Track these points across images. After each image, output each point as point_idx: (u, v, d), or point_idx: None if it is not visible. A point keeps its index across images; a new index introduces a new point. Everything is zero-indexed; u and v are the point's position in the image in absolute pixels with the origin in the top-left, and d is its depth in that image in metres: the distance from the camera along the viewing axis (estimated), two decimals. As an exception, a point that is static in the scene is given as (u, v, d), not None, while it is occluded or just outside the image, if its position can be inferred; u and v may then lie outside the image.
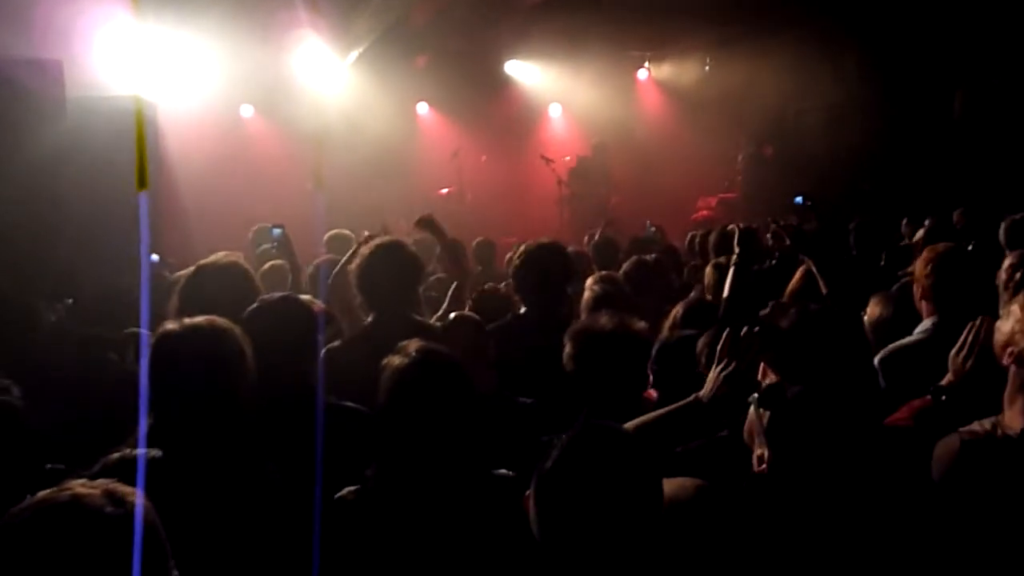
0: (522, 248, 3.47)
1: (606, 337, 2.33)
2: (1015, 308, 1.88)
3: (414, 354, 2.00)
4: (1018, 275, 3.10)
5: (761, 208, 8.32)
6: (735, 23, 10.12)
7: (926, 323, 2.85)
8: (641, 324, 2.42)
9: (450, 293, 3.69)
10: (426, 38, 10.06)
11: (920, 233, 4.21)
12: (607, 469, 1.46)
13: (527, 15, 9.49)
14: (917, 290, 2.89)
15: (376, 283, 3.07)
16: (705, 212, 10.38)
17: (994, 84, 8.02)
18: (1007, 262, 3.21)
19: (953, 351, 2.24)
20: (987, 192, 5.37)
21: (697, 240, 5.91)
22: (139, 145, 5.89)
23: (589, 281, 3.53)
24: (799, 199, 5.42)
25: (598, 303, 3.24)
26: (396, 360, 2.00)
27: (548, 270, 3.33)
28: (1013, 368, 1.86)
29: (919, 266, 2.88)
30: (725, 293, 3.41)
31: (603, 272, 3.71)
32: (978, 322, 2.21)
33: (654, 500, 1.48)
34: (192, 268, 2.98)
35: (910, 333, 2.85)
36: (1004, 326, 1.90)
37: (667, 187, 10.92)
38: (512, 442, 2.22)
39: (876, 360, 2.82)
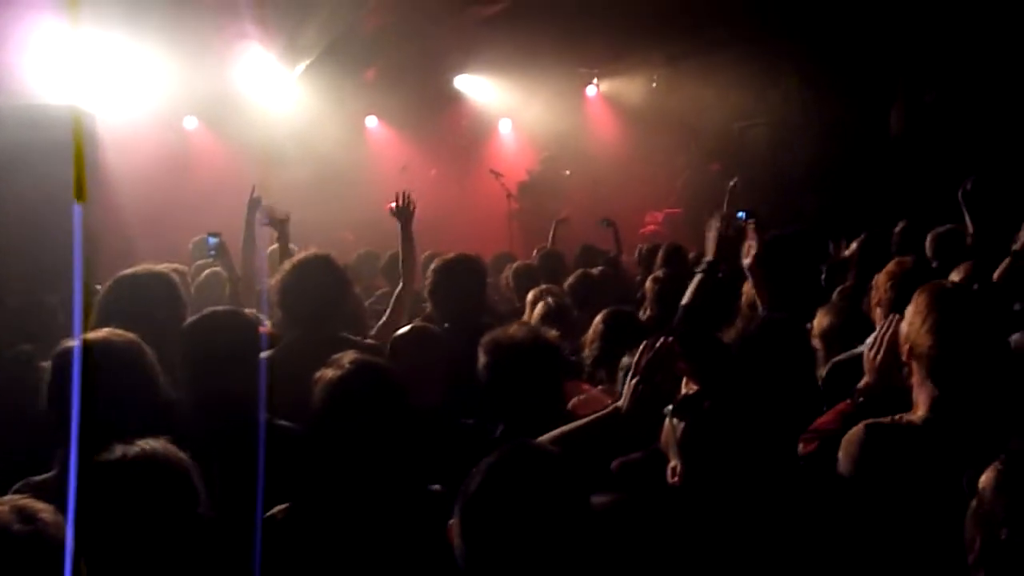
0: (432, 267, 3.40)
1: (517, 347, 2.31)
2: (910, 307, 1.99)
3: (348, 365, 1.96)
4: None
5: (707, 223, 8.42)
6: (681, 42, 10.31)
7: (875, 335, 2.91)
8: (553, 333, 2.41)
9: (391, 304, 3.64)
10: (375, 51, 10.03)
11: (854, 246, 4.31)
12: (536, 492, 1.38)
13: (476, 30, 9.53)
14: (874, 298, 2.96)
15: (297, 300, 2.97)
16: (652, 227, 10.51)
17: (927, 102, 8.30)
18: (958, 276, 3.31)
19: (865, 350, 2.32)
20: (924, 206, 5.54)
21: (644, 253, 5.96)
22: (77, 156, 5.71)
23: (530, 296, 3.53)
24: (741, 215, 5.50)
25: (542, 318, 3.23)
26: (329, 372, 1.96)
27: (462, 286, 3.30)
28: (912, 363, 1.95)
29: (881, 278, 2.94)
30: (685, 300, 3.38)
31: (545, 286, 3.71)
32: (890, 318, 2.29)
33: (584, 521, 1.42)
34: (111, 280, 2.88)
35: (860, 340, 2.90)
36: (903, 325, 2.01)
37: (616, 202, 11.01)
38: (449, 460, 2.18)
39: (827, 368, 2.87)
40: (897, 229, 4.90)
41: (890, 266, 2.97)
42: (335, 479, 1.90)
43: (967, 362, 1.88)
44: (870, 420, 1.95)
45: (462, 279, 3.32)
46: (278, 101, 10.53)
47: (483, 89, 12.33)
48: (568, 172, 11.67)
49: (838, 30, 8.55)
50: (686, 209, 10.76)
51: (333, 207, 9.93)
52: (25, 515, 1.23)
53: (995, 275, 3.49)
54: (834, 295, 3.88)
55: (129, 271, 2.92)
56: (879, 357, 2.24)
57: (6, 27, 6.56)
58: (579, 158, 11.93)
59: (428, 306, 3.64)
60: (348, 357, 2.00)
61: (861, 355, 2.84)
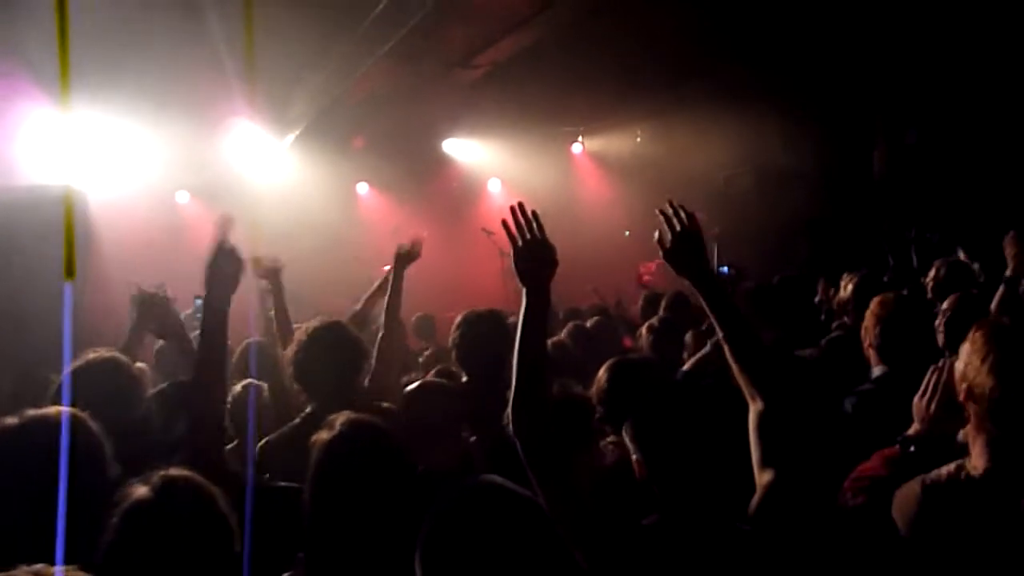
0: (460, 319, 3.43)
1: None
2: (965, 346, 1.89)
3: (339, 427, 1.94)
4: (949, 316, 3.20)
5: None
6: (663, 96, 10.53)
7: (875, 371, 2.89)
8: (579, 389, 2.42)
9: (375, 356, 3.57)
10: (362, 119, 10.21)
11: (850, 288, 4.32)
12: (489, 530, 1.44)
13: (461, 95, 9.72)
14: (865, 338, 2.92)
15: (315, 371, 2.95)
16: (647, 277, 10.54)
17: (908, 144, 8.46)
18: (944, 306, 3.32)
19: (916, 397, 2.21)
20: (909, 245, 5.60)
21: (646, 302, 5.97)
22: (67, 234, 5.74)
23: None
24: (724, 269, 5.59)
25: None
26: (324, 435, 1.94)
27: (487, 338, 3.30)
28: (971, 405, 1.84)
29: (868, 317, 2.91)
30: (688, 364, 3.44)
31: (554, 339, 3.70)
32: (941, 364, 2.20)
33: (538, 560, 1.46)
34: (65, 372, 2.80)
35: (836, 381, 2.90)
36: (958, 364, 1.90)
37: (607, 255, 11.10)
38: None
39: (852, 400, 2.82)
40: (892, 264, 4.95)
41: (872, 305, 2.93)
42: (333, 542, 1.87)
43: None
44: (925, 477, 1.85)
45: (487, 334, 3.32)
46: (268, 172, 10.66)
47: (471, 151, 12.53)
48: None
49: (817, 77, 8.76)
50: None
51: (325, 274, 9.96)
52: None
53: (992, 305, 3.49)
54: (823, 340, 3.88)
55: (80, 361, 2.77)
56: (932, 404, 2.14)
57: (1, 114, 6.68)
58: (568, 213, 12.04)
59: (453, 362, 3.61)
60: (341, 418, 1.98)
61: (873, 387, 2.82)
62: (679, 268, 2.11)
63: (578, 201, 12.42)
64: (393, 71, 8.06)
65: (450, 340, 3.45)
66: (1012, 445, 1.75)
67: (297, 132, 10.21)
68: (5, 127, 7.08)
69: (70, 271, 4.50)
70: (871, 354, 2.91)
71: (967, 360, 1.85)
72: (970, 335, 1.89)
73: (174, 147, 9.75)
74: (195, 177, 10.69)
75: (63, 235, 5.45)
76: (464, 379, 3.35)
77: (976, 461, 1.83)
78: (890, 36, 7.68)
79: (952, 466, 1.86)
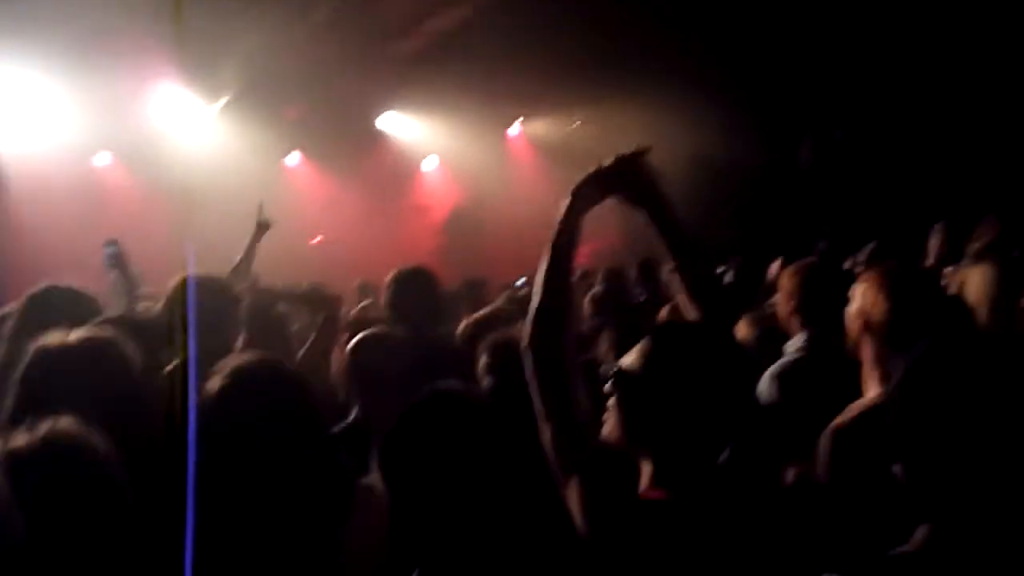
0: (390, 277, 3.54)
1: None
2: (858, 287, 1.99)
3: (228, 370, 1.82)
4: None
5: (633, 253, 8.60)
6: (604, 84, 10.58)
7: (798, 339, 2.77)
8: None
9: (318, 328, 3.50)
10: (296, 89, 9.95)
11: (776, 267, 4.44)
12: (447, 435, 1.50)
13: (399, 68, 9.57)
14: (786, 306, 2.83)
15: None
16: (580, 260, 10.63)
17: (836, 137, 8.73)
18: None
19: None
20: (834, 233, 5.80)
21: (578, 278, 6.03)
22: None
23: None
24: None
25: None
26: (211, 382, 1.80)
27: (420, 294, 3.42)
28: (866, 337, 1.91)
29: (785, 281, 2.86)
30: None
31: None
32: None
33: (498, 467, 1.51)
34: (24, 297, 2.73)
35: (770, 350, 2.86)
36: (851, 307, 1.98)
37: (540, 239, 11.12)
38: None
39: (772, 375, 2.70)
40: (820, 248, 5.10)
41: (790, 269, 2.88)
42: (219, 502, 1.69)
43: (923, 326, 1.76)
44: (839, 420, 1.88)
45: (415, 289, 3.44)
46: (196, 137, 10.29)
47: (408, 127, 12.36)
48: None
49: (753, 73, 8.94)
50: (618, 242, 10.91)
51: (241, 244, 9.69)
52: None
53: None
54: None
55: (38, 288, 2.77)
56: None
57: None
58: (503, 195, 12.03)
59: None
60: (229, 364, 1.86)
61: (792, 364, 2.78)
62: (619, 188, 1.98)
63: (513, 183, 12.40)
64: (327, 39, 7.87)
65: (383, 298, 3.53)
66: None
67: (227, 98, 9.89)
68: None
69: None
70: (791, 322, 2.80)
71: (862, 295, 1.94)
72: (862, 277, 2.00)
73: (95, 107, 9.29)
74: (117, 139, 10.23)
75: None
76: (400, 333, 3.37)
77: (872, 392, 1.88)
78: (825, 40, 7.90)
79: (858, 404, 1.89)
